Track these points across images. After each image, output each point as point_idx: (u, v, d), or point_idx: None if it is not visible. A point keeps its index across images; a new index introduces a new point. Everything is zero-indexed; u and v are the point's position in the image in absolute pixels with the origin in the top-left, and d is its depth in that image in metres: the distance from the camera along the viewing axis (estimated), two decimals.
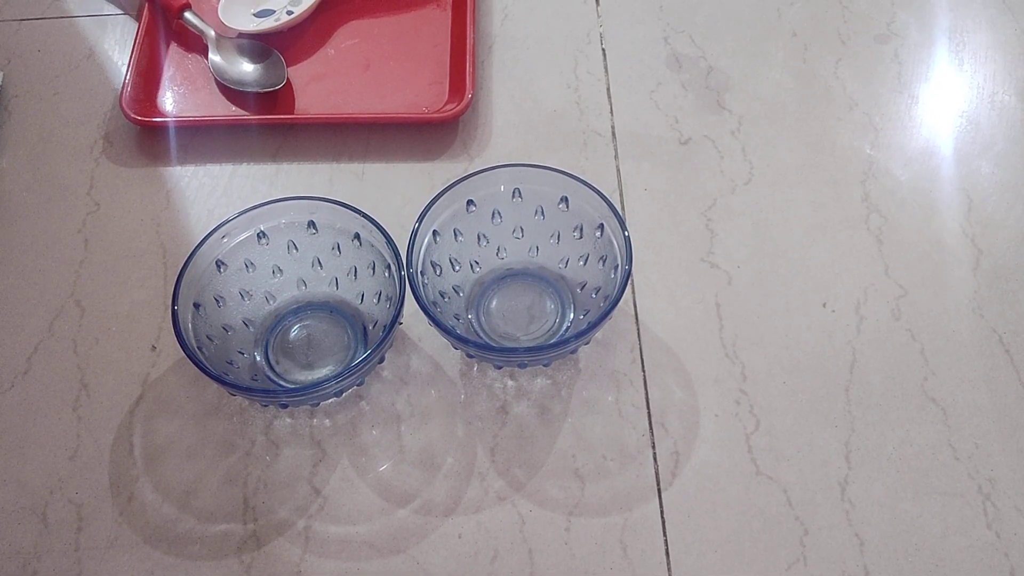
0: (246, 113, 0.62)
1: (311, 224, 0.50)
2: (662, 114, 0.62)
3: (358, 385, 0.50)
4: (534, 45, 0.66)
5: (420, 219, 0.48)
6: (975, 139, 0.60)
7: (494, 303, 0.53)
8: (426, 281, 0.48)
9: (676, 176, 0.59)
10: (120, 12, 0.69)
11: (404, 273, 0.46)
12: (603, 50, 0.65)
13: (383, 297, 0.50)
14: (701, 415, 0.50)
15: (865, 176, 0.59)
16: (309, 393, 0.46)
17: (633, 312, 0.53)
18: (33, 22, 0.68)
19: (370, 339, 0.51)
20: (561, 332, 0.51)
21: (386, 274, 0.49)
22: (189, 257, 0.47)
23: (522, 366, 0.51)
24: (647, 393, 0.51)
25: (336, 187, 0.59)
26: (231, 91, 0.62)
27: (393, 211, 0.56)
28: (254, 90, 0.62)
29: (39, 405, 0.51)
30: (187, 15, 0.64)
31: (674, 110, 0.62)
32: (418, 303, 0.45)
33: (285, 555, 0.46)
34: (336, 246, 0.51)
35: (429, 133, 0.61)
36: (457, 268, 0.52)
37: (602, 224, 0.49)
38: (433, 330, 0.46)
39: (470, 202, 0.50)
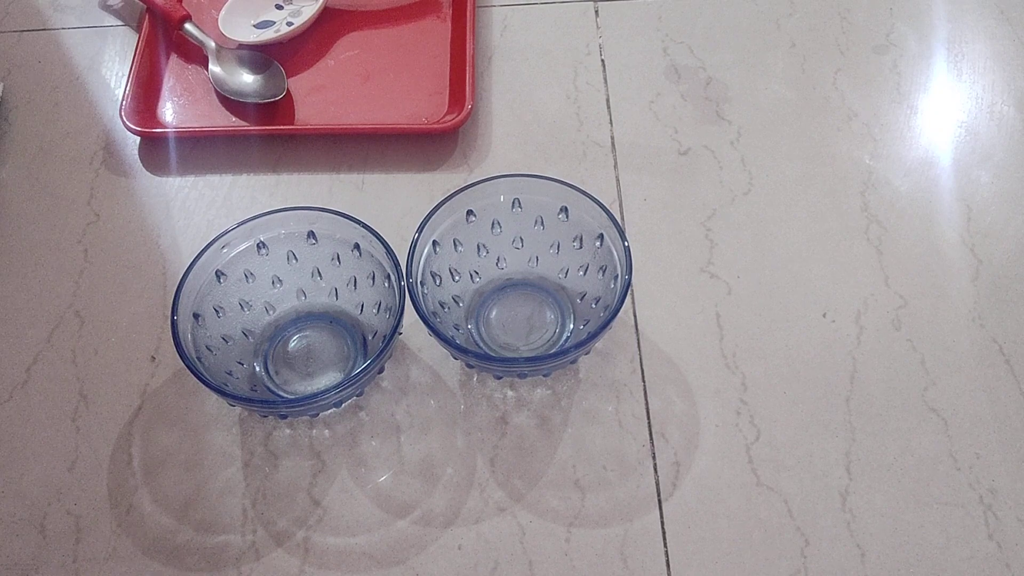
0: (246, 124, 0.62)
1: (311, 234, 0.50)
2: (661, 125, 0.62)
3: (357, 396, 0.50)
4: (534, 56, 0.66)
5: (420, 229, 0.48)
6: (974, 149, 0.60)
7: (494, 313, 0.53)
8: (426, 291, 0.48)
9: (675, 186, 0.59)
10: (120, 23, 0.69)
11: (404, 283, 0.46)
12: (602, 61, 0.65)
13: (383, 307, 0.50)
14: (701, 425, 0.50)
15: (864, 186, 0.59)
16: (308, 404, 0.45)
17: (633, 322, 0.53)
18: (33, 33, 0.68)
19: (370, 349, 0.51)
20: (561, 342, 0.51)
21: (386, 284, 0.49)
22: (189, 267, 0.47)
23: (522, 376, 0.51)
24: (647, 403, 0.51)
25: (336, 197, 0.59)
26: (231, 102, 0.63)
27: (393, 221, 0.56)
28: (254, 101, 0.62)
29: (38, 416, 0.51)
30: (187, 26, 0.65)
31: (673, 121, 0.62)
32: (418, 313, 0.45)
33: (284, 566, 0.46)
34: (336, 256, 0.51)
35: (429, 144, 0.61)
36: (457, 278, 0.52)
37: (602, 234, 0.49)
38: (433, 340, 0.46)
39: (470, 212, 0.50)
